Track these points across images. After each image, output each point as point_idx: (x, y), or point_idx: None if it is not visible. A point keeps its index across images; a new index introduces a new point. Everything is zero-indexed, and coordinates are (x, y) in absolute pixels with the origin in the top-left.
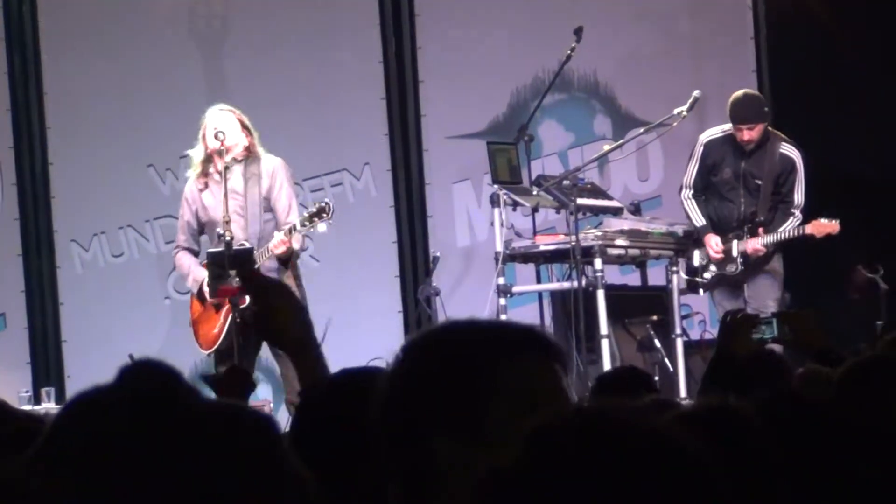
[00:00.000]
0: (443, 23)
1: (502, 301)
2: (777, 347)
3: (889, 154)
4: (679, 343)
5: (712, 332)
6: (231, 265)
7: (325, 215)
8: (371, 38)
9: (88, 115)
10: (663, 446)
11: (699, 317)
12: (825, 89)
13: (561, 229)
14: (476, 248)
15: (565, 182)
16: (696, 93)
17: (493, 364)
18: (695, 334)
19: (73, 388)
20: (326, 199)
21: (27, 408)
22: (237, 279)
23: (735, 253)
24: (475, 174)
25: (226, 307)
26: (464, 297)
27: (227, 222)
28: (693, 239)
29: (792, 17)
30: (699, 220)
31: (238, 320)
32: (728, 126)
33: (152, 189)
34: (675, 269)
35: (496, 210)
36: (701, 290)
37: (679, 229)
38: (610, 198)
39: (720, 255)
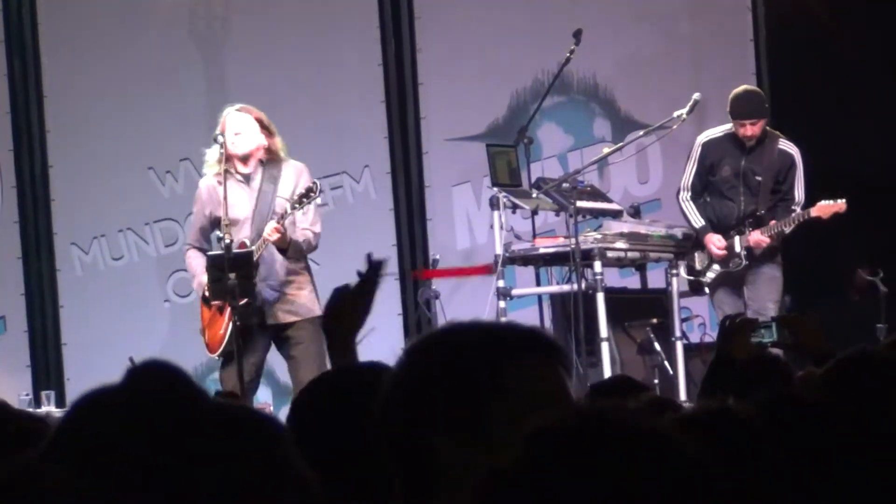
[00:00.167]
0: (443, 25)
1: (502, 304)
2: (777, 351)
3: (889, 155)
4: (679, 346)
5: (712, 335)
6: (231, 268)
7: (312, 195)
8: (371, 40)
9: (88, 117)
10: (662, 448)
11: (699, 320)
12: (825, 91)
13: (560, 232)
14: (476, 251)
15: (565, 185)
16: (695, 95)
17: (496, 365)
18: (695, 337)
19: (72, 391)
20: (315, 180)
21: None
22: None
23: (738, 248)
24: (475, 177)
25: (228, 310)
26: (463, 300)
27: (228, 225)
28: (693, 241)
29: (791, 19)
30: (698, 221)
31: (237, 323)
32: (727, 126)
33: (152, 192)
34: (674, 271)
35: (496, 213)
36: (706, 289)
37: (679, 232)
38: (609, 200)
39: (723, 252)
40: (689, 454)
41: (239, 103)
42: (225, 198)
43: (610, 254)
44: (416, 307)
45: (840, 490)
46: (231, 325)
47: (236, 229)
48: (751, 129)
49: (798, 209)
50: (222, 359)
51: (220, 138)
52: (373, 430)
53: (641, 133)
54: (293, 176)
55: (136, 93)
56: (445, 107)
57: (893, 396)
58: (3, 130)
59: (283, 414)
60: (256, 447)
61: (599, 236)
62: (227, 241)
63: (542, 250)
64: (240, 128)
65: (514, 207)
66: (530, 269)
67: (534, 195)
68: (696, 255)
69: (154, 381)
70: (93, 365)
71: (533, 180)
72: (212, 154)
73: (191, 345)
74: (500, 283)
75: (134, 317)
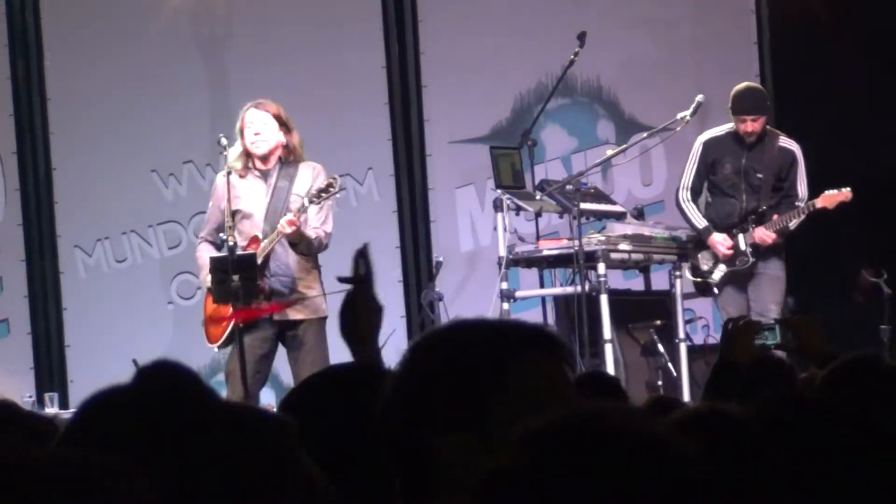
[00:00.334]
0: (446, 28)
1: (505, 306)
2: (780, 353)
3: (893, 157)
4: (682, 348)
5: (716, 337)
6: (234, 270)
7: (332, 189)
8: (374, 42)
9: (91, 120)
10: (658, 448)
11: (703, 321)
12: (828, 93)
13: (564, 234)
14: (479, 253)
15: (568, 187)
16: (699, 97)
17: (499, 363)
18: (698, 339)
19: (76, 393)
20: (335, 175)
21: None
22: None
23: (743, 246)
24: (478, 179)
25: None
26: (467, 302)
27: (231, 227)
28: (695, 242)
29: (795, 21)
30: (700, 221)
31: (241, 325)
32: (728, 125)
33: (155, 194)
34: (678, 273)
35: (499, 215)
36: (715, 289)
37: (682, 234)
38: (613, 202)
39: (730, 252)
40: (684, 455)
41: (257, 99)
42: (228, 200)
43: (614, 256)
44: (419, 310)
45: (840, 492)
46: (233, 324)
47: (250, 224)
48: (751, 126)
49: (801, 205)
50: (229, 354)
51: (225, 141)
52: (370, 429)
53: (645, 135)
54: (309, 175)
55: (139, 95)
56: (449, 109)
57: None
58: (6, 133)
59: None
60: (266, 448)
61: (603, 238)
62: (231, 242)
63: (545, 252)
64: (259, 127)
65: (518, 209)
66: (534, 271)
67: (537, 197)
68: (699, 255)
69: (163, 381)
70: (96, 367)
71: (537, 182)
72: (234, 150)
73: (195, 347)
74: (504, 285)
75: (137, 319)
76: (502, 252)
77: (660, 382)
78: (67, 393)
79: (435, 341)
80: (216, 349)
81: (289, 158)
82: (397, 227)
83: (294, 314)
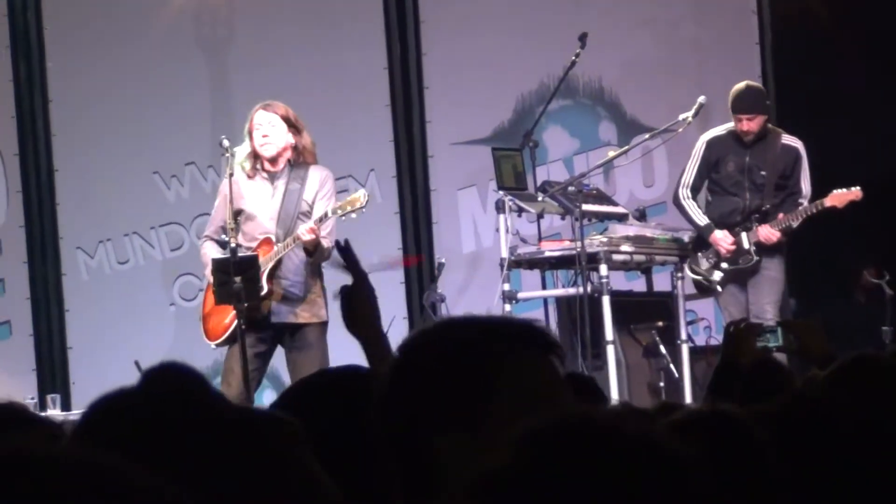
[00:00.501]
0: (448, 29)
1: (508, 307)
2: (780, 356)
3: (893, 158)
4: (684, 349)
5: (718, 338)
6: (236, 272)
7: (359, 204)
8: (376, 44)
9: (93, 121)
10: (655, 449)
11: (704, 323)
12: (830, 94)
13: (566, 235)
14: (481, 255)
15: (570, 188)
16: (701, 98)
17: (492, 360)
18: (700, 340)
19: (78, 394)
20: (363, 190)
21: None
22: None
23: (746, 245)
24: (480, 180)
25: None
26: (469, 304)
27: (233, 229)
28: (695, 241)
29: (796, 22)
30: (702, 219)
31: (243, 327)
32: (730, 124)
33: (158, 196)
34: (680, 274)
35: (501, 216)
36: (718, 287)
37: (684, 235)
38: (615, 204)
39: (732, 248)
40: (682, 455)
41: (258, 100)
42: (231, 201)
43: (616, 257)
44: (421, 311)
45: (840, 493)
46: (236, 325)
47: (253, 224)
48: (747, 125)
49: (805, 202)
50: (227, 352)
51: (225, 142)
52: (364, 431)
53: (647, 136)
54: (317, 181)
55: (141, 97)
56: (451, 110)
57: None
58: (8, 134)
59: None
60: (272, 449)
61: (605, 239)
62: (233, 244)
63: (547, 253)
64: (267, 129)
65: (520, 211)
66: (536, 273)
67: (539, 198)
68: (699, 254)
69: (169, 383)
70: (98, 369)
71: (538, 184)
72: (242, 150)
73: (197, 348)
74: (506, 287)
75: (139, 321)
76: (504, 253)
77: (662, 384)
78: (69, 394)
79: (426, 341)
80: (213, 346)
81: (298, 160)
82: (399, 229)
83: (294, 318)
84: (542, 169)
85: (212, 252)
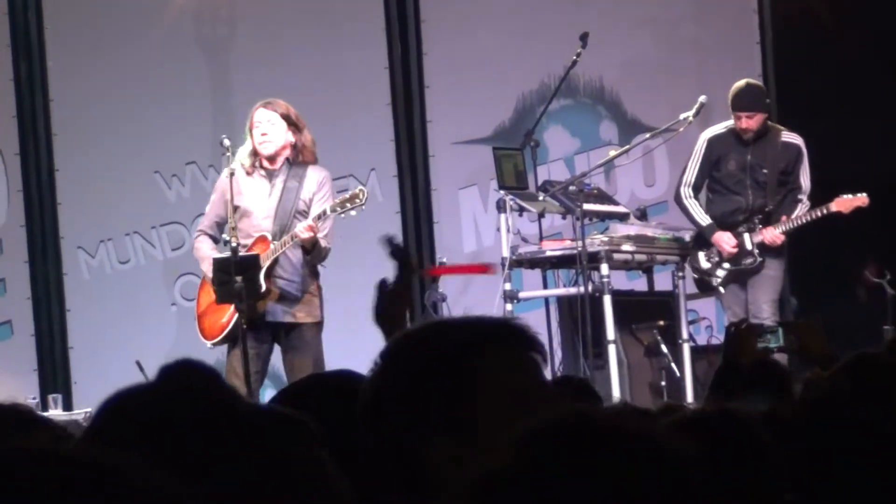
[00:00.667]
0: (449, 28)
1: (509, 306)
2: (781, 356)
3: (894, 158)
4: (686, 348)
5: (719, 338)
6: (237, 271)
7: (357, 201)
8: (377, 43)
9: (94, 121)
10: (655, 449)
11: (706, 322)
12: (831, 93)
13: (567, 235)
14: (482, 254)
15: (571, 187)
16: (701, 98)
17: (471, 361)
18: (702, 339)
19: (79, 394)
20: (362, 187)
21: None
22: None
23: (749, 246)
24: (481, 180)
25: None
26: (470, 303)
27: (234, 228)
28: (696, 239)
29: (797, 22)
30: (704, 218)
31: (245, 326)
32: (730, 122)
33: (159, 196)
34: (681, 274)
35: (502, 215)
36: (721, 288)
37: (686, 235)
38: (616, 203)
39: (735, 250)
40: (682, 454)
41: (259, 99)
42: (231, 199)
43: (617, 256)
44: (423, 310)
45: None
46: (238, 317)
47: (249, 221)
48: (746, 122)
49: (804, 198)
50: (229, 346)
51: (226, 141)
52: (357, 433)
53: (648, 136)
54: (315, 182)
55: (142, 97)
56: (452, 110)
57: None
58: (9, 134)
59: None
60: (287, 447)
61: (606, 239)
62: (234, 244)
63: (548, 253)
64: (266, 127)
65: (521, 210)
66: (537, 272)
67: (540, 198)
68: (700, 254)
69: (186, 380)
70: (99, 368)
71: (539, 183)
72: (243, 148)
73: (198, 348)
74: (507, 286)
75: (141, 320)
76: (505, 253)
77: (663, 383)
78: (71, 394)
79: (407, 345)
80: (210, 346)
81: (297, 159)
82: (400, 228)
83: (291, 318)
84: (543, 168)
85: (206, 247)
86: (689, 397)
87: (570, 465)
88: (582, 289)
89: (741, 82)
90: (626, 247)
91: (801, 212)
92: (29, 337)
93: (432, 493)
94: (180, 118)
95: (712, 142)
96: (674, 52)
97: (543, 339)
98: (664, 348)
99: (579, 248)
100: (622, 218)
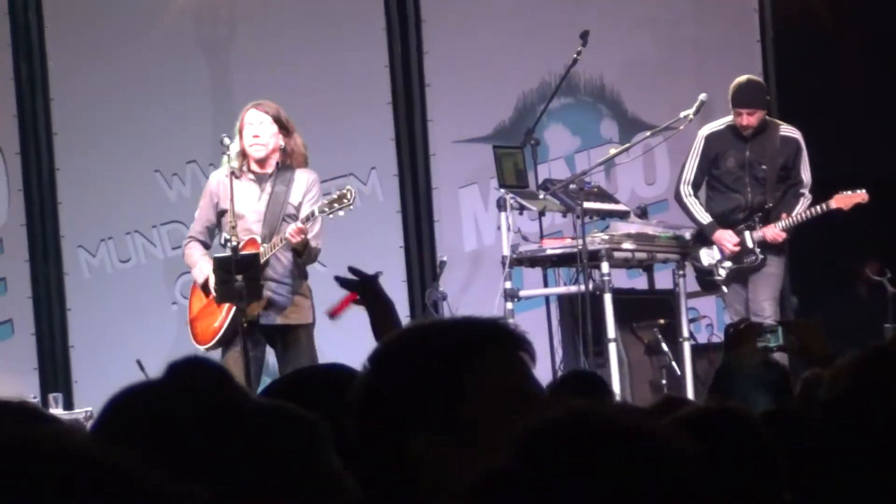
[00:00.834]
0: (449, 27)
1: (509, 305)
2: (780, 356)
3: (893, 157)
4: (686, 346)
5: (719, 336)
6: (238, 270)
7: (346, 201)
8: (377, 42)
9: (95, 120)
10: (656, 447)
11: (706, 320)
12: (831, 93)
13: (568, 233)
14: (483, 253)
15: (572, 186)
16: (702, 96)
17: (459, 361)
18: (702, 338)
19: (80, 393)
20: (349, 186)
21: None
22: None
23: (750, 244)
24: (482, 178)
25: (227, 304)
26: (471, 302)
27: (234, 227)
28: (697, 237)
29: (798, 21)
30: (705, 217)
31: (245, 325)
32: (727, 118)
33: (159, 194)
34: (682, 272)
35: (503, 214)
36: (724, 287)
37: (686, 233)
38: (617, 201)
39: (736, 249)
40: (682, 453)
41: (259, 99)
42: (231, 199)
43: (617, 255)
44: (423, 309)
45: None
46: (230, 320)
47: (241, 224)
48: (746, 119)
49: (806, 191)
50: (222, 357)
51: (226, 140)
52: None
53: (648, 134)
54: (304, 183)
55: (143, 96)
56: (452, 108)
57: None
58: (9, 133)
59: None
60: (295, 445)
61: (607, 237)
62: (235, 242)
63: (549, 251)
64: (258, 129)
65: (522, 209)
66: (538, 271)
67: (541, 196)
68: (702, 252)
69: (195, 377)
70: (100, 367)
71: (540, 181)
72: (234, 147)
73: (198, 347)
74: (508, 285)
75: (141, 319)
76: (506, 251)
77: (664, 381)
78: (71, 393)
79: (395, 347)
80: (203, 350)
81: (286, 162)
82: (401, 227)
83: (282, 320)
84: (544, 167)
85: (197, 253)
86: (690, 395)
87: (569, 465)
88: (582, 287)
89: (742, 78)
90: (627, 245)
91: (802, 208)
92: (30, 336)
93: (421, 492)
94: (180, 118)
95: (710, 139)
96: (674, 52)
97: (544, 337)
98: (665, 347)
99: (580, 247)
100: (623, 216)
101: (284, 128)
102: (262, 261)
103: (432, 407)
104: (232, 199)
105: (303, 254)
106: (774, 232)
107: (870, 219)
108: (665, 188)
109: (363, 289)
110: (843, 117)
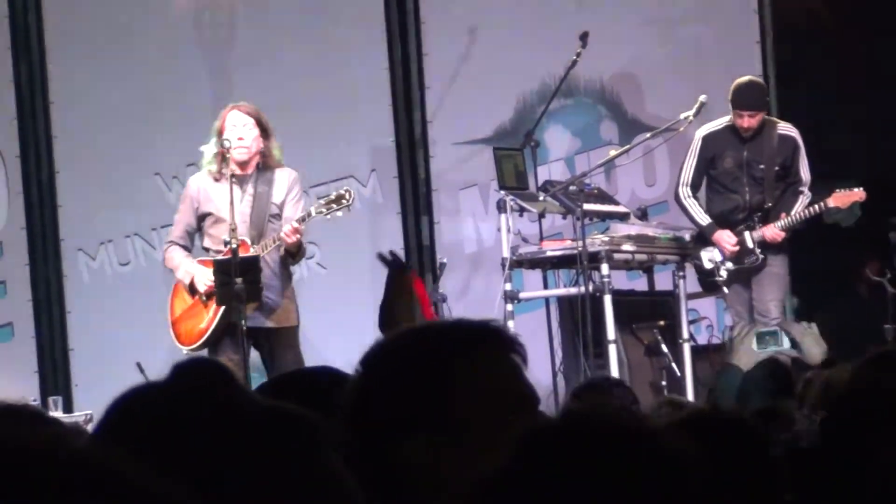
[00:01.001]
0: (449, 29)
1: (509, 307)
2: (782, 358)
3: (893, 157)
4: (686, 348)
5: (720, 337)
6: (238, 273)
7: (344, 202)
8: (377, 44)
9: (95, 123)
10: (656, 448)
11: (706, 322)
12: (831, 92)
13: (568, 235)
14: (483, 254)
15: (572, 187)
16: (702, 97)
17: (451, 362)
18: (702, 339)
19: (80, 396)
20: (346, 187)
21: None
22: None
23: (750, 244)
24: (482, 180)
25: (212, 306)
26: (471, 304)
27: (234, 230)
28: (698, 238)
29: (798, 22)
30: (704, 218)
31: (244, 326)
32: (725, 119)
33: (159, 197)
34: (681, 273)
35: (503, 216)
36: (725, 288)
37: (686, 234)
38: (617, 203)
39: (736, 249)
40: (682, 454)
41: (241, 101)
42: (231, 202)
43: (617, 256)
44: None
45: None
46: (217, 322)
47: (222, 228)
48: (747, 121)
49: (805, 189)
50: (209, 350)
51: (227, 143)
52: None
53: (648, 135)
54: (286, 182)
55: (142, 98)
56: (452, 110)
57: None
58: (9, 136)
59: None
60: (298, 446)
61: (607, 239)
62: (234, 244)
63: (549, 253)
64: (242, 132)
65: (522, 210)
66: (538, 272)
67: (541, 198)
68: (702, 253)
69: (199, 378)
70: (100, 371)
71: (540, 183)
72: (209, 150)
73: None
74: (508, 287)
75: (141, 322)
76: (506, 253)
77: (664, 383)
78: (71, 396)
79: (385, 351)
80: (186, 351)
81: (266, 163)
82: (401, 229)
83: (268, 322)
84: (544, 168)
85: (179, 255)
86: (690, 397)
87: (570, 466)
88: (582, 289)
89: (744, 79)
90: (627, 247)
91: (801, 206)
92: (29, 339)
93: (415, 494)
94: (181, 120)
95: (707, 139)
96: (674, 53)
97: (544, 339)
98: (665, 348)
99: (580, 248)
100: (622, 218)
101: (265, 130)
102: None
103: (425, 408)
104: (231, 203)
105: (297, 255)
106: (774, 231)
107: (870, 219)
108: (665, 190)
109: (392, 274)
110: (842, 117)
